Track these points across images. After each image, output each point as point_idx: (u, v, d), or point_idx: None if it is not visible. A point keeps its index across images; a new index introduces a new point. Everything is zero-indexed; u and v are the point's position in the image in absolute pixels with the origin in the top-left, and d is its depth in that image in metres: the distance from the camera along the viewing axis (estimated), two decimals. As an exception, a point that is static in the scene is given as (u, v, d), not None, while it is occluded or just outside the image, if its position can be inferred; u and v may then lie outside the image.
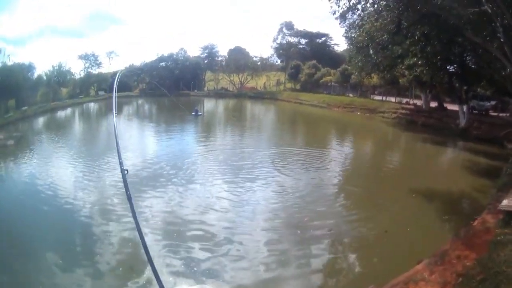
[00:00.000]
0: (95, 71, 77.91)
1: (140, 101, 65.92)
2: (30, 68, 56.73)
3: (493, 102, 37.58)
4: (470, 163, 21.80)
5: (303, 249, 11.10)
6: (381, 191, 16.95)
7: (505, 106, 36.15)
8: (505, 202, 10.75)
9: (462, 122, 32.90)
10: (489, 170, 19.61)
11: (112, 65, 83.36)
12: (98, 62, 79.02)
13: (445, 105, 41.27)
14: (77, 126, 41.33)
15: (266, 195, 15.94)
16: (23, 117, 40.93)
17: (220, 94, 78.54)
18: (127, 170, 3.82)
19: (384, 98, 52.61)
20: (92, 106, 58.37)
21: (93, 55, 78.19)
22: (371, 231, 12.40)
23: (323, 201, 15.24)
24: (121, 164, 3.84)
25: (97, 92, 70.79)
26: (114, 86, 5.42)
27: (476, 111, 36.74)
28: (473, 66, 33.06)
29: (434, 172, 21.01)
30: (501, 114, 35.56)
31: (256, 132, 37.74)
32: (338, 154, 25.74)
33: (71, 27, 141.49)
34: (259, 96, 77.03)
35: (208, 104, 63.86)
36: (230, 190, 16.39)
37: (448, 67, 34.42)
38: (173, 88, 69.02)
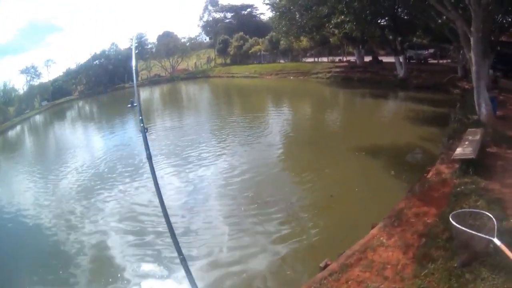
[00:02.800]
0: (36, 82, 76.17)
1: (80, 103, 63.86)
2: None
3: (431, 50, 37.81)
4: (414, 113, 21.53)
5: (247, 227, 10.80)
6: (325, 153, 16.48)
7: (445, 53, 36.17)
8: (459, 150, 10.37)
9: (401, 72, 32.78)
10: (435, 117, 19.34)
11: (51, 73, 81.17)
12: (38, 73, 77.21)
13: (380, 58, 41.34)
14: (27, 142, 39.38)
15: (213, 172, 16.07)
16: None
17: (153, 81, 77.88)
18: (147, 128, 4.24)
19: (316, 60, 52.42)
20: (38, 118, 57.09)
21: (32, 67, 76.43)
22: (317, 198, 11.91)
23: (266, 171, 15.05)
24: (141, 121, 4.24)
25: (41, 103, 68.83)
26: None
27: (414, 61, 37.06)
28: (406, 17, 32.63)
29: (378, 126, 20.65)
30: (441, 61, 35.81)
31: (193, 111, 37.95)
32: (278, 120, 25.70)
33: (10, 43, 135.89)
34: (191, 76, 76.77)
35: (144, 93, 62.76)
36: (179, 173, 16.52)
37: (379, 21, 34.15)
38: (109, 84, 70.73)
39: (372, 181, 12.39)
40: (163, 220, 10.65)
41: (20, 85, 72.76)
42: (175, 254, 9.19)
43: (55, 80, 74.42)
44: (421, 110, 21.92)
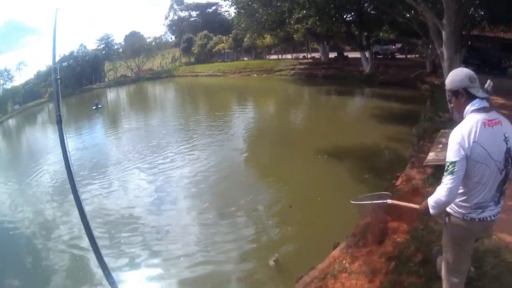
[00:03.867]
0: (9, 86, 76.92)
1: (50, 106, 61.40)
2: None
3: (398, 45, 37.69)
4: (381, 110, 20.74)
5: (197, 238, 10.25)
6: (287, 156, 15.61)
7: (412, 48, 36.07)
8: (431, 155, 9.30)
9: (366, 68, 32.34)
10: (404, 115, 18.64)
11: (22, 76, 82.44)
12: (10, 76, 78.14)
13: (346, 54, 41.16)
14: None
15: (177, 175, 15.74)
16: None
17: (119, 82, 77.54)
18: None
19: (280, 57, 52.31)
20: (11, 122, 57.15)
21: (5, 70, 77.31)
22: (275, 208, 10.97)
23: (224, 178, 14.40)
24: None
25: (13, 107, 68.56)
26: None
27: (380, 56, 36.83)
28: (372, 12, 32.73)
29: (343, 125, 19.94)
30: (409, 56, 35.64)
31: (158, 111, 38.04)
32: (241, 119, 25.36)
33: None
34: (156, 76, 77.01)
35: (110, 94, 64.03)
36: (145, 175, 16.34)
37: (344, 16, 33.88)
38: (77, 85, 70.93)
39: (336, 188, 11.39)
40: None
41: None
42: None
43: (26, 83, 74.76)
44: (388, 107, 21.27)
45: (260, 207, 11.12)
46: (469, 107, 3.55)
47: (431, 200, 3.69)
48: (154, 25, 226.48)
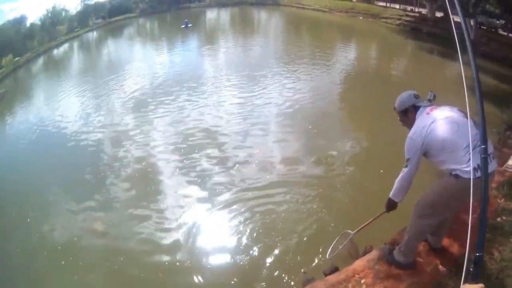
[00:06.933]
0: (91, 2, 71.39)
1: (140, 21, 61.99)
2: (22, 19, 54.75)
3: (502, 21, 34.62)
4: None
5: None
6: (381, 110, 14.67)
7: (516, 28, 34.20)
8: None
9: (471, 34, 29.11)
10: (499, 95, 17.40)
11: None
12: None
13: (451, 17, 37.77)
14: (72, 59, 39.68)
15: (273, 97, 17.13)
16: (14, 69, 38.76)
17: (221, 2, 72.51)
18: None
19: (388, 5, 49.37)
20: (90, 35, 55.04)
21: None
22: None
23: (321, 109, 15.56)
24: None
25: (94, 21, 65.78)
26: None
27: (484, 27, 34.61)
28: None
29: (438, 87, 18.23)
30: (511, 35, 32.75)
31: (261, 36, 38.42)
32: (342, 59, 25.43)
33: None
34: (260, 2, 70.44)
35: (211, 14, 62.11)
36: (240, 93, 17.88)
37: None
38: (173, 3, 67.67)
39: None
40: (214, 141, 13.48)
41: (74, 6, 68.68)
42: (217, 179, 11.03)
43: (113, -1, 72.43)
44: (484, 82, 18.77)
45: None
46: (417, 115, 4.13)
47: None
48: None
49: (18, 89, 27.00)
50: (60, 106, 18.83)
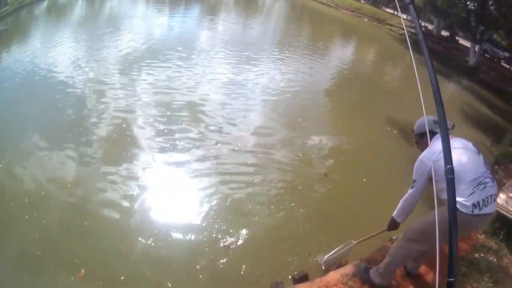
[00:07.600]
0: None
1: None
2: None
3: (507, 54, 34.97)
4: (469, 108, 19.96)
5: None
6: (366, 113, 14.76)
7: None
8: (503, 198, 7.30)
9: (472, 60, 31.10)
10: (489, 124, 17.58)
11: None
12: None
13: (456, 38, 39.55)
14: (75, 7, 36.93)
15: (263, 80, 16.45)
16: (18, 8, 36.44)
17: None
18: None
19: (396, 13, 49.21)
20: None
21: None
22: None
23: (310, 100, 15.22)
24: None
25: None
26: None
27: (487, 55, 34.80)
28: (494, 12, 30.94)
29: (428, 107, 17.89)
30: None
31: (263, 18, 37.48)
32: (338, 55, 25.26)
33: None
34: None
35: None
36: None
37: (467, 2, 32.76)
38: None
39: (389, 173, 10.11)
40: (198, 115, 12.48)
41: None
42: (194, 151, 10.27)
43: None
44: (478, 109, 20.48)
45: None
46: (432, 140, 4.02)
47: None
48: None
49: (17, 29, 26.23)
50: (51, 52, 18.15)
